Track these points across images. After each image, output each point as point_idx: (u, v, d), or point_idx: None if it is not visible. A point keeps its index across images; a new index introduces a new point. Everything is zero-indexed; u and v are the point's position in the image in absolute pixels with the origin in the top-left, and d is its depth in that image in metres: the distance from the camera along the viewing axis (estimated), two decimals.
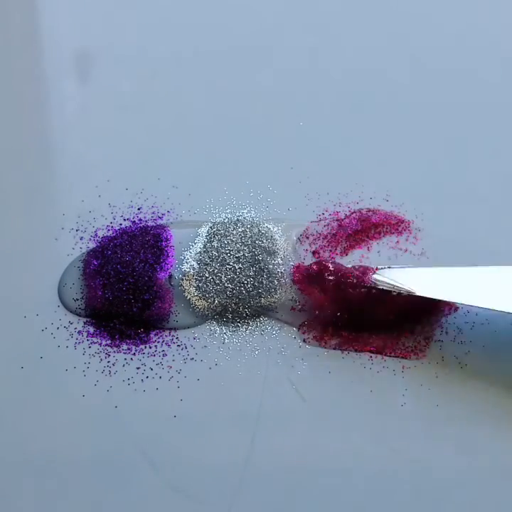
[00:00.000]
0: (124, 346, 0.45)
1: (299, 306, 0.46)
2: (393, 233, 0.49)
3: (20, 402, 0.43)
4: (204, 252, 0.46)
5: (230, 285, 0.45)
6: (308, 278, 0.45)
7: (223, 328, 0.45)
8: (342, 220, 0.48)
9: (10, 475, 0.42)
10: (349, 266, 0.46)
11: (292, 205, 0.49)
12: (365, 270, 0.45)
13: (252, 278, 0.46)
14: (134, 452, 0.42)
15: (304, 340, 0.45)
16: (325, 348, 0.45)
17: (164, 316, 0.45)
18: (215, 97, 0.54)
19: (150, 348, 0.45)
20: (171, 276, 0.46)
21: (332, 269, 0.45)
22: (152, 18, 0.57)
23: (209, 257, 0.46)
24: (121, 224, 0.49)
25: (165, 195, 0.50)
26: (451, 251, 0.47)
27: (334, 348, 0.45)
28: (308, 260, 0.47)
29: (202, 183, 0.50)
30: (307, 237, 0.48)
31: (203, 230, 0.47)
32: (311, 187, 0.50)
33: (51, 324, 0.45)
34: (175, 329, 0.45)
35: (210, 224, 0.48)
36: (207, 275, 0.46)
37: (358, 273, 0.45)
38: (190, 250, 0.47)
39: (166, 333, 0.45)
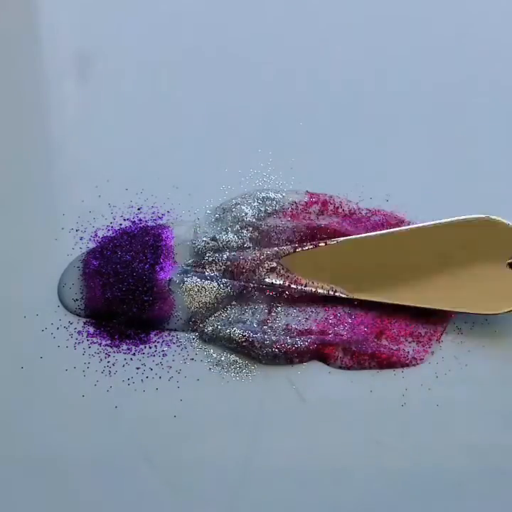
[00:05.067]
0: (124, 346, 0.45)
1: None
2: None
3: (20, 402, 0.43)
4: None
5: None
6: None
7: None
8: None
9: (10, 475, 0.42)
10: None
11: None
12: None
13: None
14: (133, 452, 0.42)
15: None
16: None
17: (164, 318, 0.45)
18: (215, 97, 0.54)
19: (150, 348, 0.45)
20: (170, 280, 0.46)
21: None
22: (152, 18, 0.57)
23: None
24: (121, 224, 0.49)
25: (165, 195, 0.50)
26: None
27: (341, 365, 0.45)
28: None
29: (202, 183, 0.50)
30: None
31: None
32: (311, 187, 0.50)
33: (51, 324, 0.45)
34: (175, 330, 0.45)
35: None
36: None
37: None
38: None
39: (166, 333, 0.45)
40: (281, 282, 0.46)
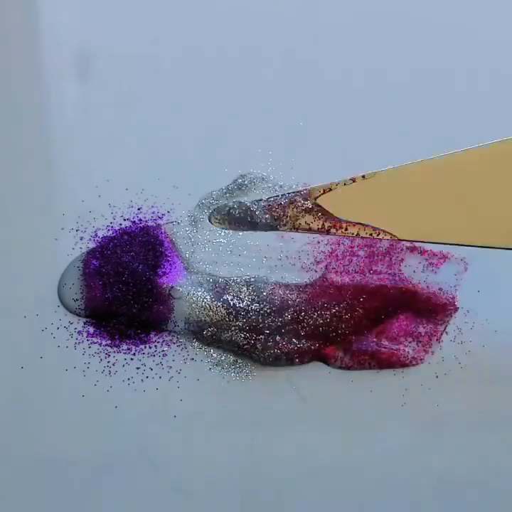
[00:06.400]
0: (124, 346, 0.45)
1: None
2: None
3: (20, 402, 0.43)
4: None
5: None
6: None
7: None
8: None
9: (10, 475, 0.42)
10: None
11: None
12: None
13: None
14: (134, 452, 0.42)
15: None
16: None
17: (164, 320, 0.45)
18: (215, 97, 0.54)
19: (150, 348, 0.45)
20: (172, 287, 0.45)
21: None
22: (152, 18, 0.57)
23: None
24: (121, 224, 0.49)
25: (165, 195, 0.50)
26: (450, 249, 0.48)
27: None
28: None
29: (202, 183, 0.50)
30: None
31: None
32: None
33: (51, 324, 0.45)
34: (175, 331, 0.45)
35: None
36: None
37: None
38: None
39: (166, 333, 0.45)
40: (319, 226, 0.41)
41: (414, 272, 0.47)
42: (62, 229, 0.49)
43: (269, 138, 0.52)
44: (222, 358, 0.45)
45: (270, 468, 0.42)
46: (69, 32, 0.57)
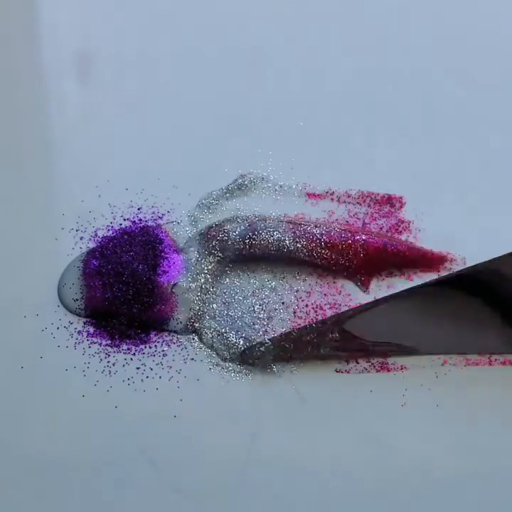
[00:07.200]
0: (124, 346, 0.45)
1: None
2: (393, 234, 0.49)
3: (20, 402, 0.43)
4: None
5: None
6: None
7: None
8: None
9: (10, 475, 0.42)
10: None
11: (293, 206, 0.49)
12: None
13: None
14: (134, 452, 0.42)
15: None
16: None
17: (164, 319, 0.45)
18: (215, 97, 0.54)
19: (150, 348, 0.45)
20: (175, 285, 0.46)
21: None
22: (152, 19, 0.58)
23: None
24: (121, 224, 0.49)
25: (165, 195, 0.50)
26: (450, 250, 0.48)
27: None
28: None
29: (202, 184, 0.50)
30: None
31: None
32: (311, 187, 0.50)
33: (51, 324, 0.45)
34: (175, 332, 0.45)
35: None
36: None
37: None
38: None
39: (166, 333, 0.45)
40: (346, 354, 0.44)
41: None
42: (62, 229, 0.49)
43: (269, 138, 0.52)
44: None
45: (270, 468, 0.42)
46: (69, 32, 0.57)
